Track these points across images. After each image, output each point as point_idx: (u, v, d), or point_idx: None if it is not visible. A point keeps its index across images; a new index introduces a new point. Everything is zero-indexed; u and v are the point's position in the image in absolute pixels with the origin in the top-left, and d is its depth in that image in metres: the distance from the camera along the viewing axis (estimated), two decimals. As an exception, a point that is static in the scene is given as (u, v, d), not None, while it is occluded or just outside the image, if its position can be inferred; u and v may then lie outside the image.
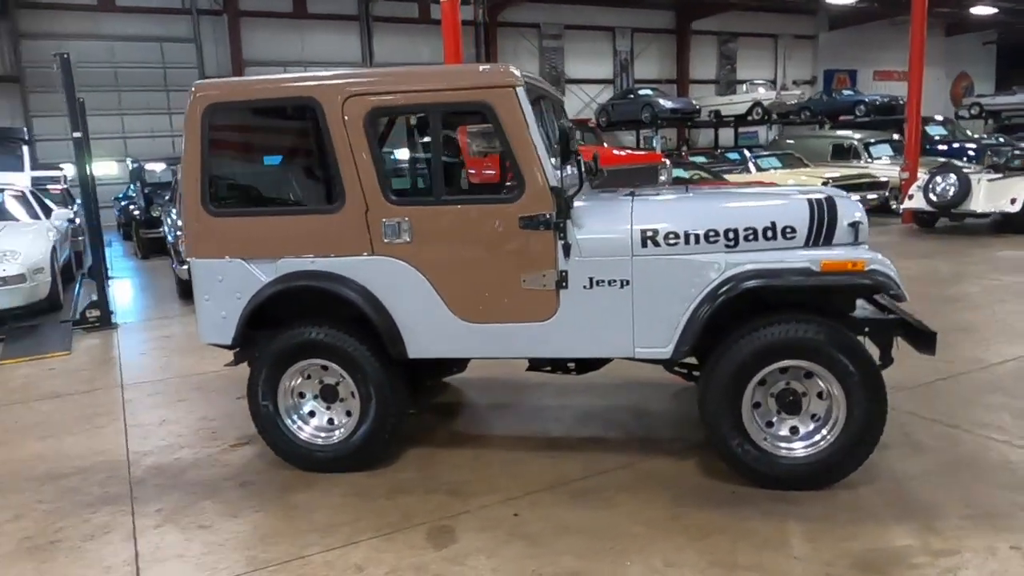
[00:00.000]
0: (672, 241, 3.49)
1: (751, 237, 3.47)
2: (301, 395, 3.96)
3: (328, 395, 3.92)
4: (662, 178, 11.53)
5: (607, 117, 25.16)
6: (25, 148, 10.52)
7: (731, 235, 3.47)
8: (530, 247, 3.56)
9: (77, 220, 10.76)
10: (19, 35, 20.37)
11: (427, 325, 3.71)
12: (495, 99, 3.50)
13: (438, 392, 5.13)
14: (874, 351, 3.56)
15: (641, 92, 24.60)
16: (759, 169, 14.78)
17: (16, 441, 4.66)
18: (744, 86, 25.98)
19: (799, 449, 3.47)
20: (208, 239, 3.87)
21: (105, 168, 17.98)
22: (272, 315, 3.86)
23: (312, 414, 3.97)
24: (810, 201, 3.54)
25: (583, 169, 4.62)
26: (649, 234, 3.50)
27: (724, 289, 3.40)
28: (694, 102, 24.42)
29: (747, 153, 16.05)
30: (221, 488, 3.82)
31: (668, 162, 11.92)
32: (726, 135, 26.77)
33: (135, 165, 15.32)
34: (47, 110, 20.01)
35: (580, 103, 27.19)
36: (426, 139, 3.66)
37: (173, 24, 21.98)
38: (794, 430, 3.52)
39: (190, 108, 3.76)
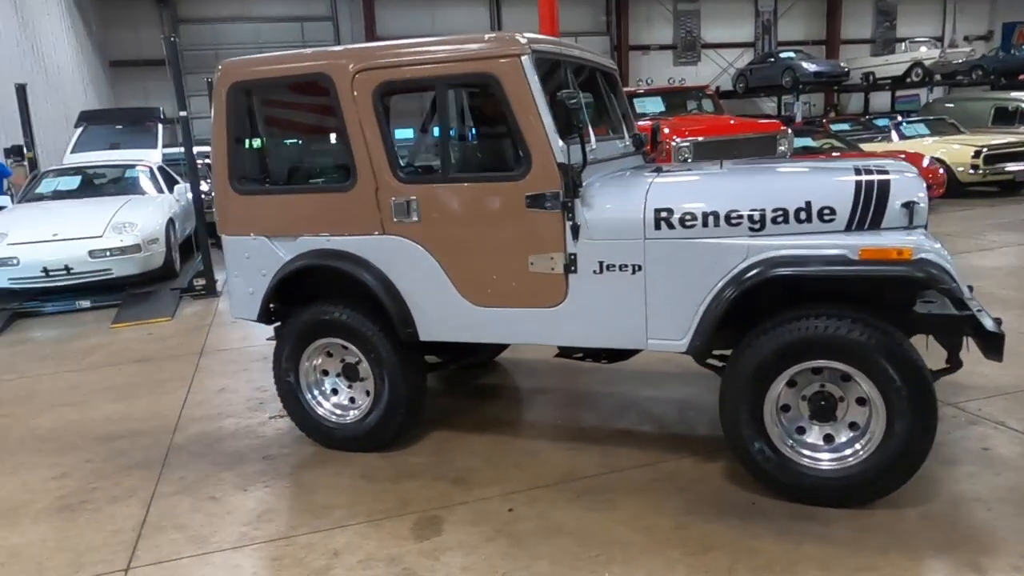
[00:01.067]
0: (689, 223, 3.14)
1: (780, 219, 3.06)
2: (325, 372, 3.97)
3: (350, 374, 3.91)
4: (781, 148, 10.74)
5: (745, 83, 23.81)
6: (160, 127, 11.32)
7: (757, 217, 3.08)
8: (537, 228, 3.34)
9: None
10: (178, 20, 22.04)
11: (437, 307, 3.59)
12: (500, 70, 3.28)
13: (482, 373, 5.02)
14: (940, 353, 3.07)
15: (782, 55, 23.03)
16: (903, 137, 13.39)
17: (93, 402, 5.03)
18: (903, 45, 23.66)
19: (825, 462, 3.06)
20: (235, 217, 3.94)
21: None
22: (303, 292, 3.89)
23: (335, 391, 3.98)
24: (858, 179, 3.08)
25: (639, 143, 4.35)
26: (663, 215, 3.18)
27: (746, 278, 3.03)
28: (843, 64, 22.52)
29: (897, 119, 14.56)
30: (245, 460, 3.92)
31: (789, 131, 11.04)
32: (882, 100, 24.58)
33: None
34: (202, 90, 21.64)
35: (716, 68, 25.88)
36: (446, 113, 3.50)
37: (313, 4, 22.97)
38: (828, 438, 3.11)
39: (217, 87, 3.82)
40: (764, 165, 3.83)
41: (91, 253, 7.68)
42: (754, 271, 3.01)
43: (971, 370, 4.40)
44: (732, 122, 11.22)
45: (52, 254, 7.69)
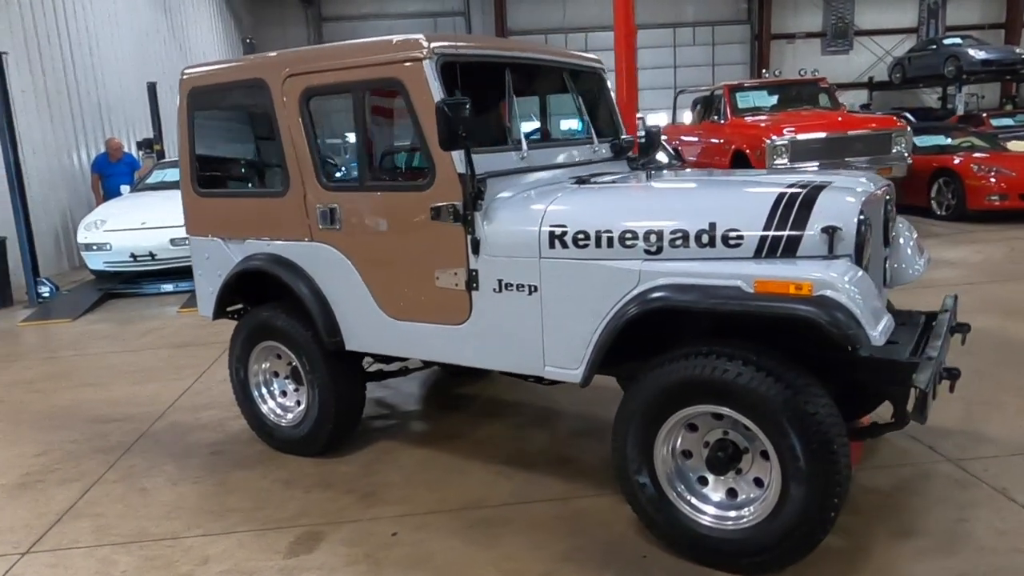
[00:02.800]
0: (581, 242, 2.85)
1: (680, 242, 2.70)
2: (276, 374, 4.01)
3: (296, 377, 3.93)
4: (896, 149, 9.68)
5: (902, 73, 21.68)
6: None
7: (653, 238, 2.74)
8: (442, 241, 3.17)
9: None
10: (321, 19, 23.32)
11: (359, 317, 3.51)
12: (403, 74, 3.13)
13: (467, 382, 4.88)
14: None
15: (946, 41, 20.74)
16: (1061, 135, 11.66)
17: (114, 384, 5.40)
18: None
19: (706, 517, 2.68)
20: (196, 218, 4.06)
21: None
22: (266, 293, 3.93)
23: (284, 393, 4.01)
24: (777, 199, 2.66)
25: (619, 148, 4.04)
26: (557, 233, 2.90)
27: (632, 307, 2.71)
28: (1019, 50, 19.95)
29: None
30: (195, 453, 4.05)
31: (908, 129, 9.92)
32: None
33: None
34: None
35: (870, 58, 23.83)
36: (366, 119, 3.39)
37: (446, 0, 23.51)
38: (732, 493, 2.73)
39: (180, 91, 3.94)
40: (703, 179, 3.41)
41: (172, 241, 8.27)
42: (640, 300, 2.68)
43: (1003, 420, 3.77)
44: (840, 119, 10.23)
45: (138, 241, 8.38)
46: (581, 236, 2.85)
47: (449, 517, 3.21)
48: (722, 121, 11.30)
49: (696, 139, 12.17)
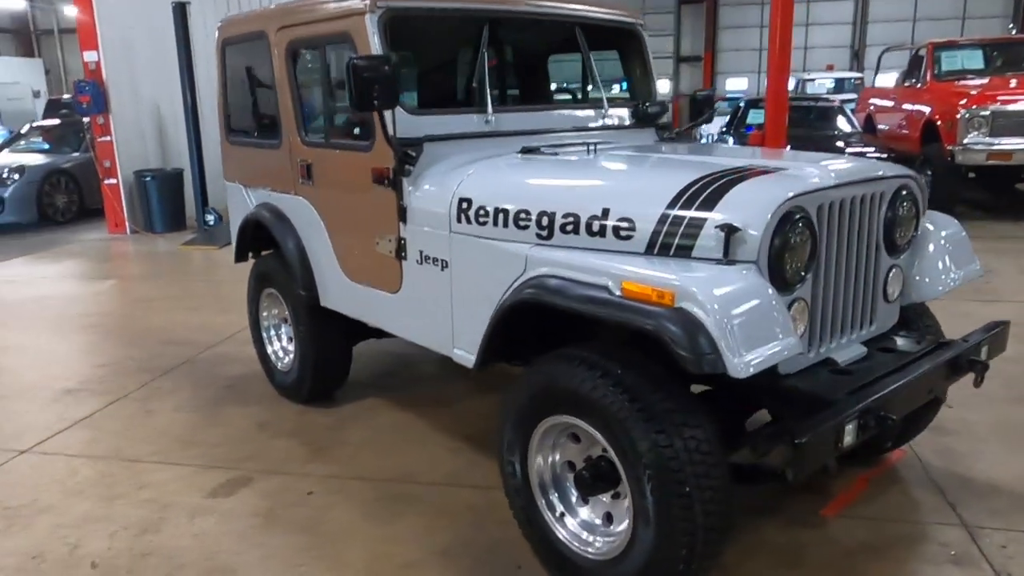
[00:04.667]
0: (482, 219, 2.60)
1: (570, 228, 2.37)
2: (285, 319, 4.15)
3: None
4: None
5: None
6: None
7: (545, 220, 2.42)
8: (380, 205, 3.05)
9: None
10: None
11: (328, 275, 3.52)
12: (351, 28, 2.99)
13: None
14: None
15: None
16: None
17: (205, 309, 5.94)
18: None
19: (563, 531, 2.38)
20: (228, 165, 4.26)
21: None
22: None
23: (291, 339, 4.15)
24: (689, 184, 2.24)
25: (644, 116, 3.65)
26: (464, 206, 2.67)
27: (510, 297, 2.43)
28: None
29: None
30: (214, 384, 4.34)
31: None
32: None
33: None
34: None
35: None
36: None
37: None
38: (608, 518, 2.40)
39: (216, 43, 4.11)
40: (643, 156, 2.90)
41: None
42: (517, 290, 2.40)
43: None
44: (1011, 85, 8.39)
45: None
46: (482, 212, 2.60)
47: (372, 486, 3.16)
48: (919, 85, 9.76)
49: (891, 106, 10.64)
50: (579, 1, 3.49)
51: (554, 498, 2.47)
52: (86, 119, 9.59)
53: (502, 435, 2.53)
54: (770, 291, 2.05)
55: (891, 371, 2.40)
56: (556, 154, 2.92)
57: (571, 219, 2.36)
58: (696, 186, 2.22)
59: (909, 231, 2.64)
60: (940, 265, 2.74)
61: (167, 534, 2.86)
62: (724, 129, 12.04)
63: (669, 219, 2.19)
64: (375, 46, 2.90)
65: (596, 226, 2.31)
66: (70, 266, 7.88)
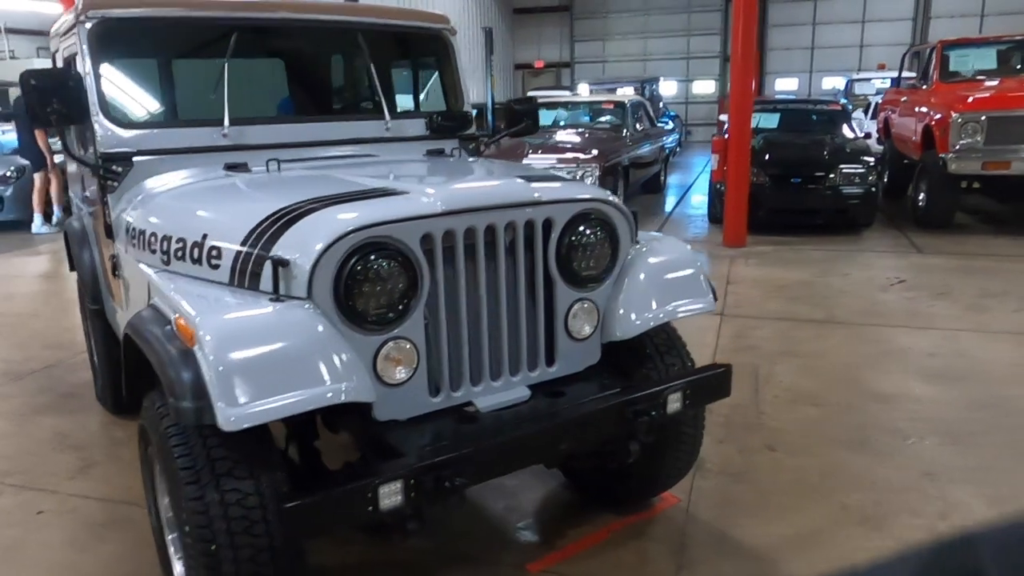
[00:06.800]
0: (135, 240, 2.47)
1: (180, 254, 2.21)
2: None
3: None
4: None
5: None
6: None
7: (165, 245, 2.27)
8: (100, 222, 2.97)
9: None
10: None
11: (105, 290, 3.46)
12: (76, 40, 2.91)
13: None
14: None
15: None
16: None
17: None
18: None
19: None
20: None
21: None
22: None
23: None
24: (276, 212, 2.05)
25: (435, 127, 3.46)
26: (127, 225, 2.54)
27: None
28: None
29: None
30: (53, 390, 4.36)
31: None
32: None
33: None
34: (587, 36, 22.62)
35: None
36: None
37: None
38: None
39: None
40: (307, 175, 2.67)
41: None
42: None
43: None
44: (1010, 94, 7.57)
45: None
46: (134, 232, 2.47)
47: (106, 508, 3.08)
48: (925, 86, 9.03)
49: (901, 109, 9.89)
50: (369, 11, 3.31)
51: (170, 540, 2.32)
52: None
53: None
54: (320, 329, 1.84)
55: (534, 420, 2.14)
56: (268, 171, 2.76)
57: (181, 246, 2.20)
58: (278, 214, 2.02)
59: (600, 261, 2.35)
60: (647, 299, 2.43)
61: None
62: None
63: (245, 249, 2.01)
64: (84, 56, 2.81)
65: (196, 253, 2.15)
66: (37, 264, 8.18)
